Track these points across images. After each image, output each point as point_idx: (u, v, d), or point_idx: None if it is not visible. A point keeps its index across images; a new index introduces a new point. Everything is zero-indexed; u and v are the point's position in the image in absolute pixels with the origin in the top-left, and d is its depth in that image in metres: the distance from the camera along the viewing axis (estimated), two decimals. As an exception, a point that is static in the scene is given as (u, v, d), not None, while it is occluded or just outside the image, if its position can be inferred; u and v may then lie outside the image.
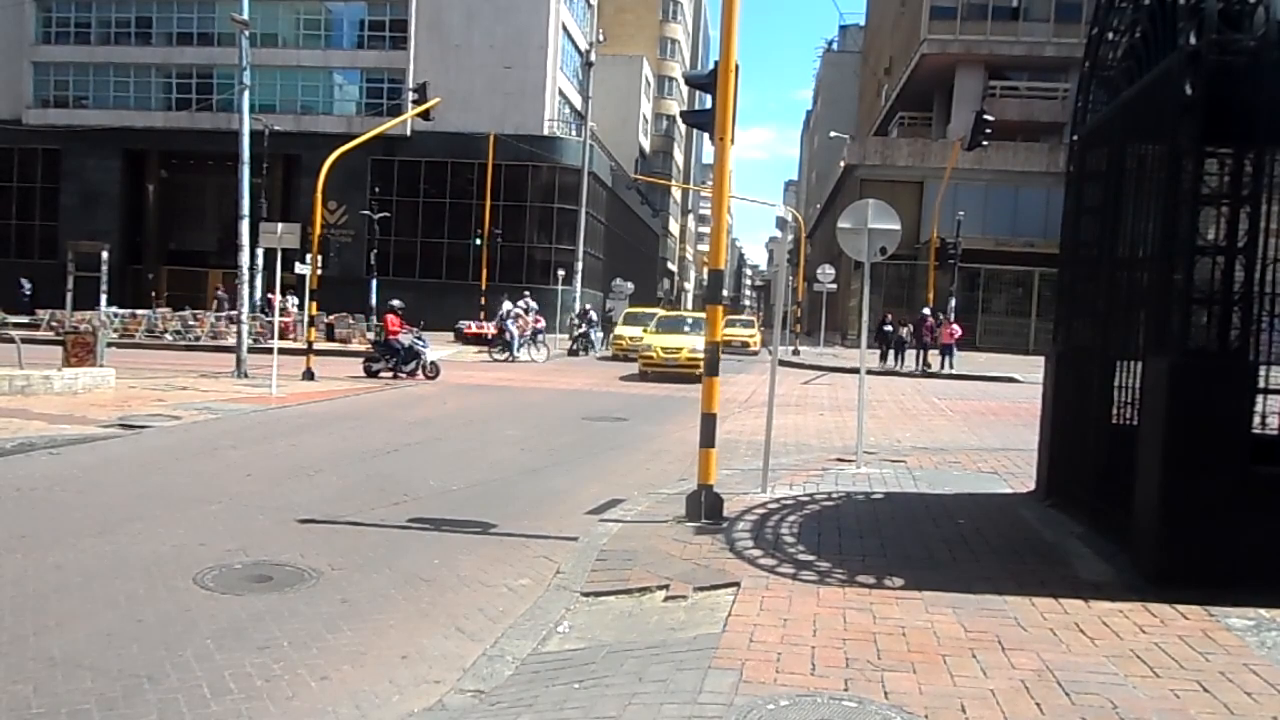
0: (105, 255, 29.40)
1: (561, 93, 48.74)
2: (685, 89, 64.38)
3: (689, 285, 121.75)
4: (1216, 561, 5.49)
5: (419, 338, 20.16)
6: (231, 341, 23.12)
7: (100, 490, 8.35)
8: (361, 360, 21.11)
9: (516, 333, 27.45)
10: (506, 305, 28.48)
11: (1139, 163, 6.69)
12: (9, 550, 6.37)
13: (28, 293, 39.36)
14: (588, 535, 7.07)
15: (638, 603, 5.60)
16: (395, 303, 20.83)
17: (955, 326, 28.01)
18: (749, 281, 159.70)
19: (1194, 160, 5.55)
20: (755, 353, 34.55)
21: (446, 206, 45.97)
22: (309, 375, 18.96)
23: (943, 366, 27.17)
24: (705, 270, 8.68)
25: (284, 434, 12.00)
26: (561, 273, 37.26)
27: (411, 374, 19.89)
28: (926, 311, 28.65)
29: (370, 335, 29.24)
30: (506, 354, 27.07)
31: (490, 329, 32.44)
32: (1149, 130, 6.46)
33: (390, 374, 19.90)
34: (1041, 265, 36.79)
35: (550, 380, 21.59)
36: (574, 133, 47.18)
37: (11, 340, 16.93)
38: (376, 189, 43.45)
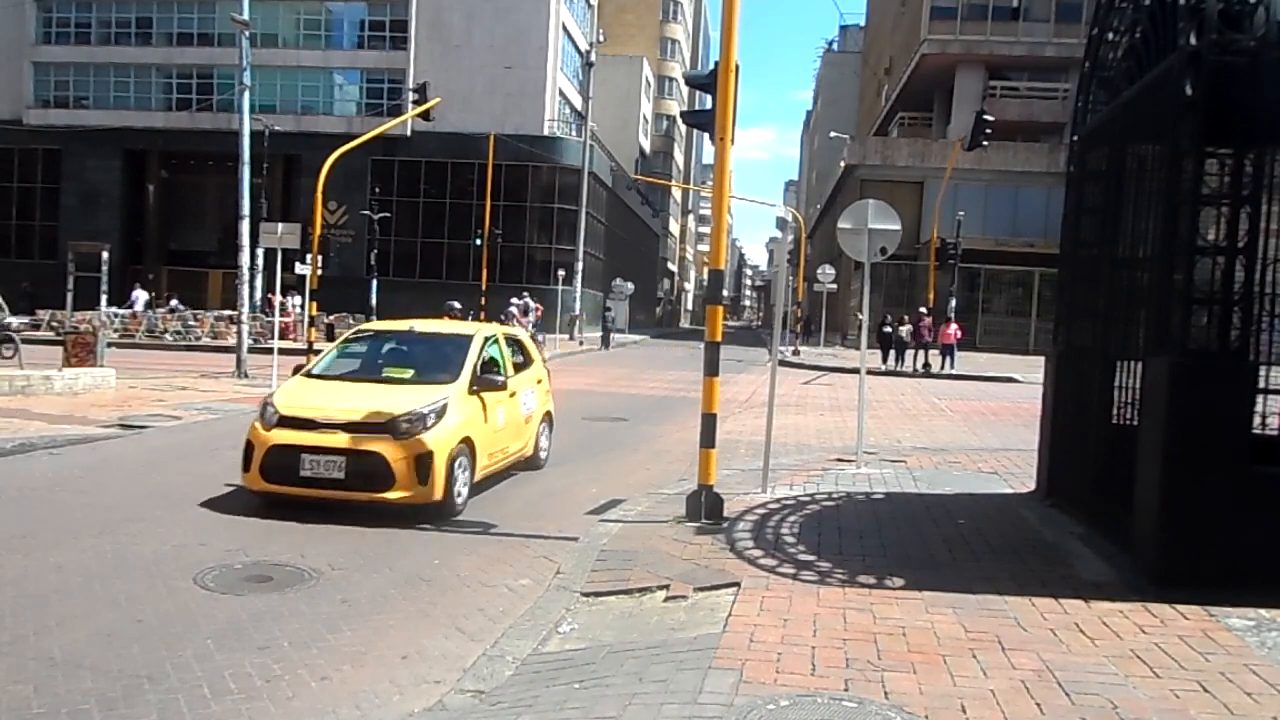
0: (105, 255, 29.32)
1: (561, 93, 48.73)
2: (685, 89, 64.35)
3: (689, 285, 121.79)
4: (1217, 561, 5.49)
5: None
6: (231, 342, 23.09)
7: (101, 490, 8.35)
8: None
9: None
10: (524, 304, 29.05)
11: (1139, 163, 6.69)
12: (10, 550, 6.37)
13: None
14: (588, 535, 7.07)
15: (638, 603, 5.60)
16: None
17: (955, 327, 28.01)
18: (749, 281, 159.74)
19: (1194, 160, 5.55)
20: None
21: (446, 206, 45.98)
22: (309, 375, 18.88)
23: (943, 366, 27.19)
24: (705, 270, 8.67)
25: (284, 434, 11.96)
26: (562, 273, 37.29)
27: None
28: (924, 311, 28.64)
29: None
30: None
31: None
32: (1149, 130, 6.45)
33: None
34: (1041, 265, 36.78)
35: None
36: (574, 133, 47.19)
37: (11, 340, 16.93)
38: (377, 189, 43.44)
